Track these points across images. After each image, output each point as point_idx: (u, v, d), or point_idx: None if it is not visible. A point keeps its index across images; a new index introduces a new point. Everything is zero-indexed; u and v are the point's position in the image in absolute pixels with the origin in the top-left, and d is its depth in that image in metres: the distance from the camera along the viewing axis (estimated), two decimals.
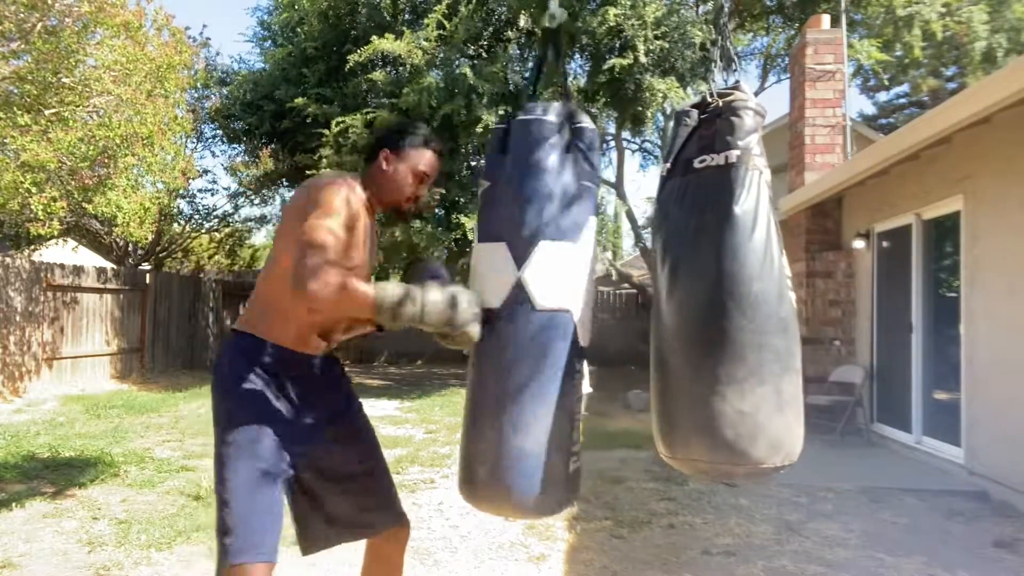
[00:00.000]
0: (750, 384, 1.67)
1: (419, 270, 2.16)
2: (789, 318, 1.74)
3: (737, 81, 1.98)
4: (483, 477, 1.81)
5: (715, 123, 1.86)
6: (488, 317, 1.84)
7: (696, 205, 1.81)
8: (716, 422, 1.68)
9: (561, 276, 1.81)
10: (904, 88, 20.35)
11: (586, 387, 1.94)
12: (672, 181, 1.92)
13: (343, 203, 1.94)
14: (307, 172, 10.37)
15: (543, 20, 2.06)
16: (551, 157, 1.88)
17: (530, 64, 11.55)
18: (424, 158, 2.14)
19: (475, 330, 1.83)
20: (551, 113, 1.94)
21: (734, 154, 1.80)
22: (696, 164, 1.85)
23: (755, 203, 1.76)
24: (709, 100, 1.92)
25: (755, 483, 4.58)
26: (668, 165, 1.97)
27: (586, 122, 1.96)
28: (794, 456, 1.76)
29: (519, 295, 1.80)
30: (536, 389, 1.77)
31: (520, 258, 1.81)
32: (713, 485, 5.16)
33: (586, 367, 1.92)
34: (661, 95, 9.85)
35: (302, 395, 2.06)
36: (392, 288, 1.81)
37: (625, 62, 9.52)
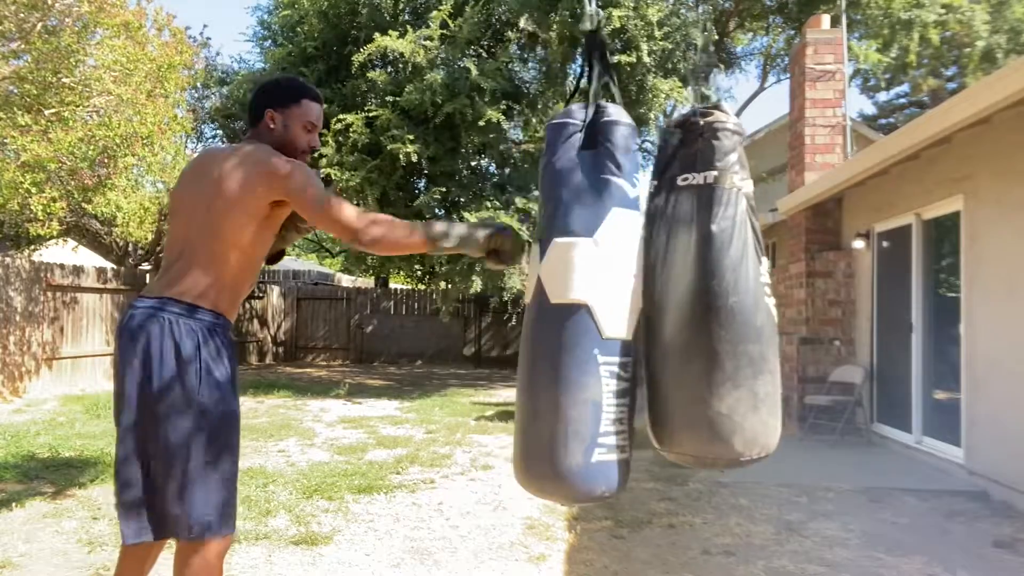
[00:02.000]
0: (726, 388, 1.87)
1: None
2: (764, 324, 1.92)
3: (719, 100, 2.13)
4: (516, 459, 1.97)
5: (696, 143, 2.02)
6: (526, 313, 1.99)
7: (678, 221, 1.97)
8: (699, 422, 1.90)
9: (574, 271, 1.86)
10: (904, 88, 20.37)
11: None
12: (659, 196, 2.08)
13: (300, 164, 2.10)
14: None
15: (583, 23, 2.09)
16: (567, 155, 1.96)
17: (531, 64, 11.56)
18: (307, 109, 2.25)
19: (520, 241, 2.00)
20: (576, 113, 2.00)
21: (712, 175, 1.97)
22: (679, 182, 2.01)
23: (732, 221, 1.93)
24: (692, 119, 2.06)
25: (737, 470, 4.91)
26: (655, 181, 2.13)
27: (615, 116, 1.98)
28: (770, 448, 1.95)
29: (539, 291, 1.91)
30: (552, 378, 1.85)
31: (540, 256, 1.93)
32: (713, 486, 5.17)
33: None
34: (664, 96, 9.85)
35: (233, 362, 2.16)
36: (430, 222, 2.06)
37: (629, 59, 9.53)
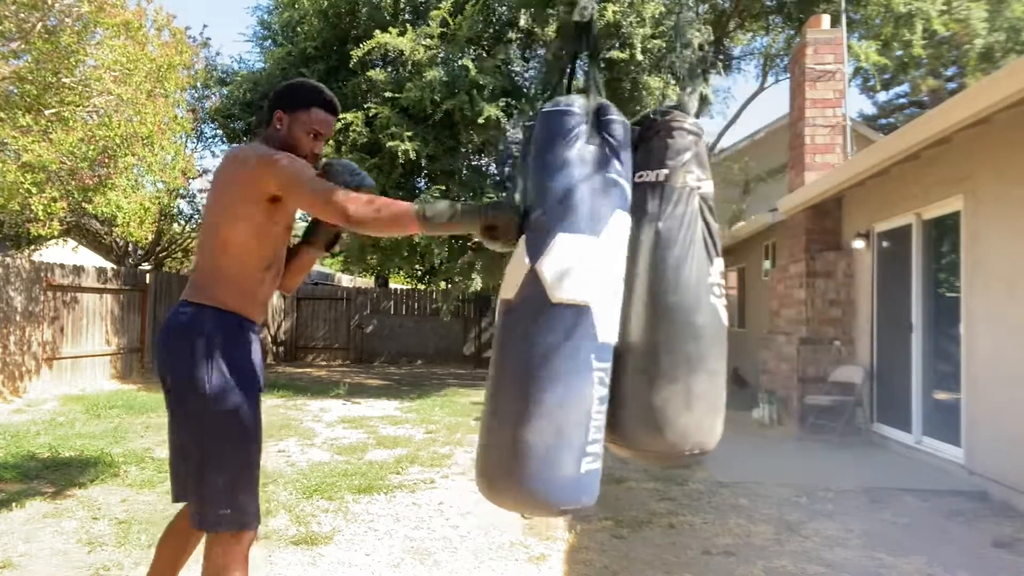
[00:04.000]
0: (662, 383, 1.91)
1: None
2: (706, 324, 1.95)
3: (681, 100, 2.10)
4: (492, 469, 1.86)
5: (652, 141, 2.04)
6: (505, 308, 1.87)
7: (633, 218, 1.98)
8: (635, 414, 1.94)
9: (580, 269, 1.78)
10: (904, 88, 20.35)
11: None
12: None
13: (292, 156, 2.14)
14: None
15: (574, 14, 2.04)
16: (572, 149, 1.88)
17: (531, 63, 11.55)
18: (316, 116, 2.28)
19: (516, 217, 1.95)
20: (576, 105, 1.93)
21: (663, 172, 1.99)
22: (635, 179, 2.01)
23: (679, 220, 1.96)
24: (650, 117, 2.08)
25: (669, 466, 5.09)
26: None
27: (616, 116, 1.94)
28: (705, 447, 1.98)
29: (534, 287, 1.79)
30: (547, 383, 1.75)
31: (537, 249, 1.81)
32: (713, 486, 5.17)
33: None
34: (658, 93, 9.85)
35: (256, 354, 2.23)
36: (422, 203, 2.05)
37: (622, 55, 9.52)
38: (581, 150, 1.88)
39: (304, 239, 2.45)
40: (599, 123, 1.92)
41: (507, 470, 1.80)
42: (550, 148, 1.90)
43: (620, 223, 1.87)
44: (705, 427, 1.97)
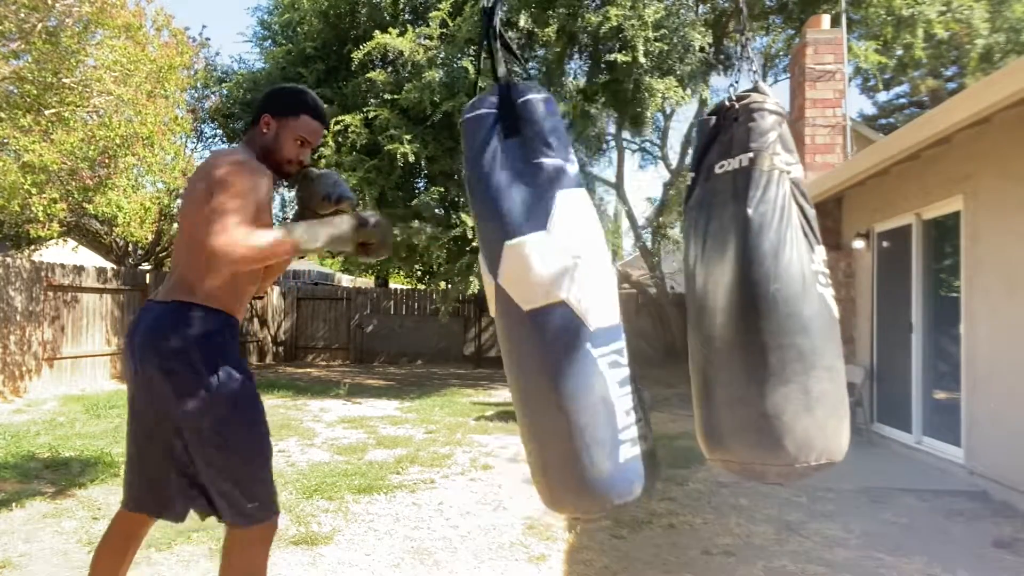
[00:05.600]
0: (771, 385, 1.68)
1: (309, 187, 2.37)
2: (815, 316, 1.75)
3: (756, 82, 1.98)
4: (542, 484, 1.77)
5: (732, 128, 1.88)
6: (496, 322, 1.83)
7: (715, 209, 1.83)
8: (744, 425, 1.71)
9: (539, 271, 1.66)
10: (904, 88, 20.35)
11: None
12: (697, 189, 1.94)
13: (246, 178, 2.08)
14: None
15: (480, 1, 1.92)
16: (490, 150, 1.75)
17: (531, 63, 11.54)
18: (303, 124, 2.26)
19: (388, 231, 2.08)
20: (485, 104, 1.80)
21: (748, 156, 1.82)
22: (716, 170, 1.87)
23: (771, 204, 1.77)
24: (727, 103, 1.93)
25: (793, 482, 4.74)
26: (693, 173, 1.98)
27: (532, 92, 1.78)
28: (833, 454, 1.77)
29: (506, 301, 1.72)
30: (550, 391, 1.66)
31: (493, 264, 1.73)
32: (713, 486, 5.17)
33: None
34: (660, 95, 9.86)
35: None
36: (294, 224, 2.07)
37: (625, 58, 9.53)
38: (496, 151, 1.75)
39: None
40: (512, 110, 1.77)
41: (555, 482, 1.73)
42: (471, 161, 1.80)
43: (569, 202, 1.71)
44: (831, 431, 1.75)
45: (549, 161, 1.73)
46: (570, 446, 1.64)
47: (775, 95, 1.94)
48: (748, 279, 1.73)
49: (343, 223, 2.09)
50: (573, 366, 1.65)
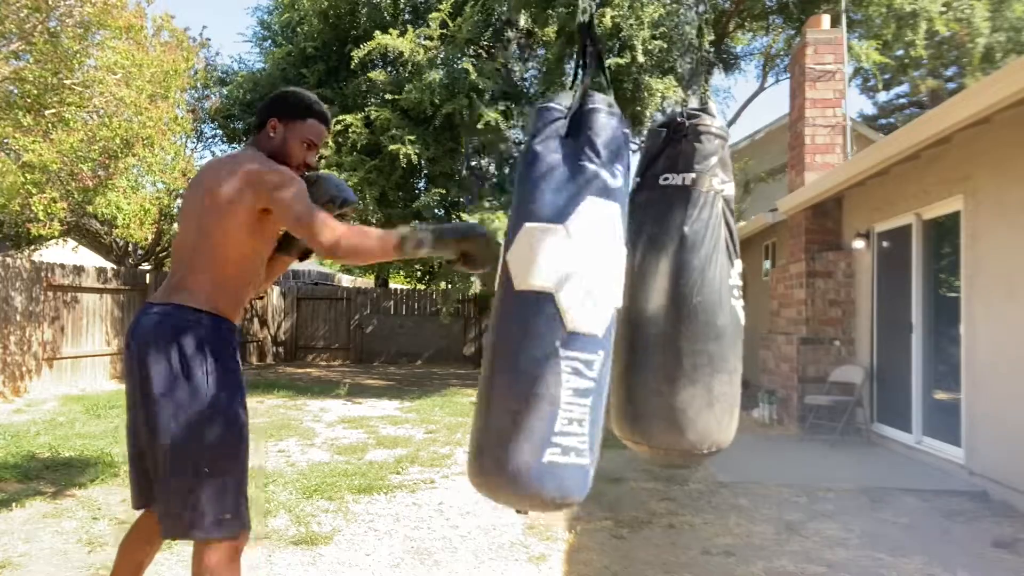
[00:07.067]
0: (682, 383, 1.95)
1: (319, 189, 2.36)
2: (727, 325, 2.01)
3: (706, 104, 2.15)
4: (469, 455, 1.87)
5: (680, 144, 2.07)
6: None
7: (657, 220, 2.03)
8: (655, 413, 1.99)
9: (542, 257, 1.74)
10: (904, 88, 20.35)
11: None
12: (641, 194, 2.12)
13: (291, 175, 2.11)
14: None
15: (577, 16, 2.05)
16: (547, 141, 1.87)
17: (530, 63, 11.55)
18: (310, 127, 2.29)
19: (493, 245, 2.03)
20: (562, 100, 1.94)
21: (691, 176, 2.03)
22: (661, 181, 2.06)
23: (705, 224, 2.02)
24: (678, 119, 2.09)
25: (685, 465, 5.12)
26: (639, 178, 2.15)
27: (600, 105, 1.90)
28: (723, 444, 2.05)
29: (506, 277, 1.81)
30: (508, 368, 1.75)
31: (508, 241, 1.83)
32: (713, 486, 5.17)
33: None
34: (659, 95, 9.86)
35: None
36: (401, 228, 2.10)
37: (622, 61, 9.54)
38: (550, 141, 1.86)
39: (280, 248, 2.40)
40: (580, 114, 1.90)
41: (473, 456, 1.81)
42: (526, 144, 1.94)
43: (593, 210, 1.80)
44: (724, 426, 2.03)
45: (591, 166, 1.83)
46: (505, 425, 1.72)
47: (721, 118, 2.15)
48: (677, 290, 1.98)
49: (448, 229, 2.12)
50: (536, 354, 1.72)
